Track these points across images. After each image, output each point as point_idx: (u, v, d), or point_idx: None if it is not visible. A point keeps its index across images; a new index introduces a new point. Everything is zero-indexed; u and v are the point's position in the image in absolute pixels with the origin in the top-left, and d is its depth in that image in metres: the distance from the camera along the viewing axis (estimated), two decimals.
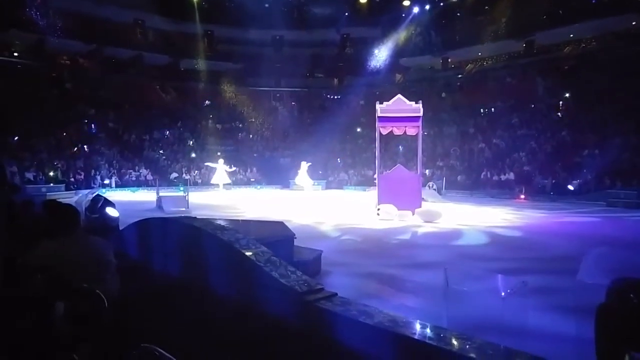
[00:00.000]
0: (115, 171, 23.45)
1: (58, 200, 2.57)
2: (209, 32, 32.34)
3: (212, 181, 19.92)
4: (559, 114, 25.78)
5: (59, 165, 21.66)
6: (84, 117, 26.39)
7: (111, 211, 5.20)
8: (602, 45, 25.93)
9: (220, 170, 19.87)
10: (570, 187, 19.85)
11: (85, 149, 24.22)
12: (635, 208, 15.15)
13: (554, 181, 20.72)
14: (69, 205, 2.48)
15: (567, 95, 25.74)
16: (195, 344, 3.47)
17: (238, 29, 31.06)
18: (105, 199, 5.28)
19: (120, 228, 5.78)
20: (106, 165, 23.30)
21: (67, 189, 19.72)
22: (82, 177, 21.87)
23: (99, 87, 27.73)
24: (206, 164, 20.84)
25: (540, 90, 27.42)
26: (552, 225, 11.57)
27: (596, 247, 8.21)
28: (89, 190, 7.78)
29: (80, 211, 2.51)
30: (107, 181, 22.13)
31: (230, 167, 20.52)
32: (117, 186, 21.99)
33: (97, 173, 22.39)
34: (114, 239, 5.32)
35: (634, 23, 25.18)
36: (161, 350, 1.33)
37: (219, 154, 27.23)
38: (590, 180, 19.57)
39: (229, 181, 20.23)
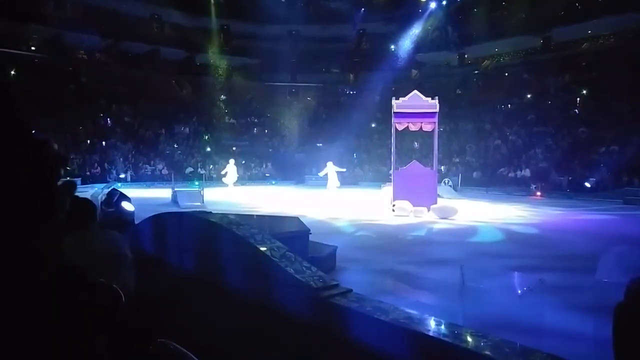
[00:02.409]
0: (131, 165, 23.78)
1: (75, 194, 2.60)
2: (225, 27, 32.50)
3: (224, 180, 19.87)
4: (576, 110, 25.31)
5: (76, 159, 22.02)
6: (100, 111, 26.77)
7: (127, 205, 5.29)
8: (620, 42, 25.39)
9: (231, 170, 20.13)
10: (587, 185, 19.51)
11: (102, 144, 24.58)
12: None
13: (570, 178, 20.37)
14: (85, 199, 2.50)
15: (585, 91, 25.25)
16: (210, 339, 3.51)
17: (254, 23, 31.15)
18: (121, 194, 5.37)
19: (136, 222, 5.88)
20: (122, 159, 23.63)
21: (83, 183, 20.02)
22: (98, 171, 22.21)
23: (115, 82, 28.11)
24: (223, 174, 20.74)
25: (557, 87, 26.95)
26: (568, 223, 11.39)
27: (614, 245, 8.05)
28: (104, 185, 7.86)
29: (96, 205, 2.54)
30: (122, 175, 22.45)
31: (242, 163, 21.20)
32: (132, 180, 22.30)
33: (113, 167, 22.73)
34: (129, 233, 5.42)
35: None
36: (176, 345, 1.35)
37: (234, 149, 27.34)
38: (608, 177, 19.21)
39: (235, 178, 20.34)
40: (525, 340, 2.79)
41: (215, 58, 31.87)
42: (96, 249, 2.27)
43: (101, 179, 21.26)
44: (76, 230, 2.37)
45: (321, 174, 17.94)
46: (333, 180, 17.04)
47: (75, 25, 25.73)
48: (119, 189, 6.17)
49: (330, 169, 17.20)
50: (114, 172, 22.36)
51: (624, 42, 25.16)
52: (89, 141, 24.50)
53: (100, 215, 6.18)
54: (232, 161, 20.45)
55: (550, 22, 26.63)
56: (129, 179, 22.44)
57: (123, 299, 1.30)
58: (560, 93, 26.47)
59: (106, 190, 6.29)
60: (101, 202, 5.54)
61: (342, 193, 16.95)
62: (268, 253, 4.02)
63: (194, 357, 1.39)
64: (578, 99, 25.63)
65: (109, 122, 26.73)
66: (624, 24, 24.68)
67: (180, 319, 3.53)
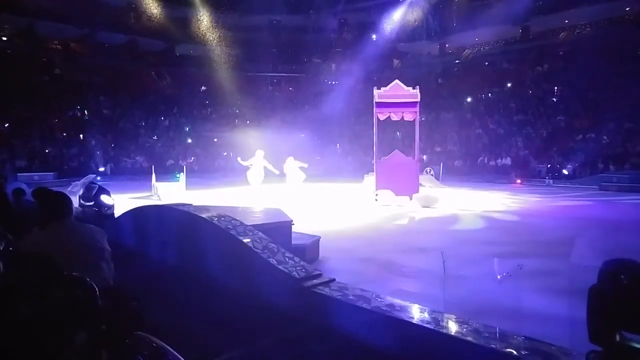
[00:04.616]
0: (111, 158, 23.35)
1: (49, 188, 2.54)
2: (205, 17, 31.94)
3: (249, 178, 13.85)
4: (554, 99, 25.78)
5: (52, 152, 21.52)
6: (77, 103, 26.14)
7: (106, 199, 5.19)
8: (597, 31, 25.90)
9: (258, 165, 13.70)
10: (565, 172, 20.02)
11: (79, 136, 24.04)
12: (627, 191, 15.30)
13: (549, 165, 20.85)
14: (59, 193, 2.45)
15: (562, 80, 25.73)
16: (193, 331, 3.49)
17: (234, 13, 30.68)
18: (100, 187, 5.27)
19: (116, 216, 5.78)
20: (101, 152, 23.17)
21: (60, 176, 19.57)
22: (76, 164, 21.75)
23: (92, 73, 27.44)
24: (240, 161, 14.23)
25: (536, 76, 27.38)
26: (547, 209, 11.65)
27: (590, 230, 8.28)
28: (83, 178, 7.61)
29: (72, 199, 2.49)
30: (102, 169, 22.02)
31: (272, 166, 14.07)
32: (112, 174, 21.92)
33: (92, 160, 22.29)
34: (109, 226, 5.34)
35: (627, 9, 25.21)
36: (153, 338, 1.34)
37: (215, 140, 26.93)
38: (584, 164, 19.72)
39: (262, 177, 13.88)
40: (505, 324, 2.85)
41: (195, 49, 31.35)
42: (72, 243, 2.23)
43: (79, 172, 20.83)
44: (51, 224, 2.32)
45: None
46: (294, 175, 14.11)
47: (49, 14, 24.93)
48: (97, 183, 6.05)
49: (290, 164, 14.08)
50: (93, 165, 21.92)
51: (600, 32, 25.68)
52: (65, 134, 23.92)
53: (79, 209, 6.08)
54: (260, 153, 13.72)
55: (528, 12, 26.96)
56: (109, 172, 22.03)
57: (98, 292, 1.28)
58: (539, 82, 26.91)
59: (85, 184, 6.15)
60: (79, 196, 5.42)
61: (318, 185, 16.15)
62: (250, 244, 4.01)
63: (171, 350, 1.37)
64: (556, 88, 26.09)
65: (86, 114, 26.13)
66: (600, 14, 25.19)
67: (162, 311, 3.49)
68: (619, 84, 21.41)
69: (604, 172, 18.33)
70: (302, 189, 14.16)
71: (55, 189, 2.65)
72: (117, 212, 6.44)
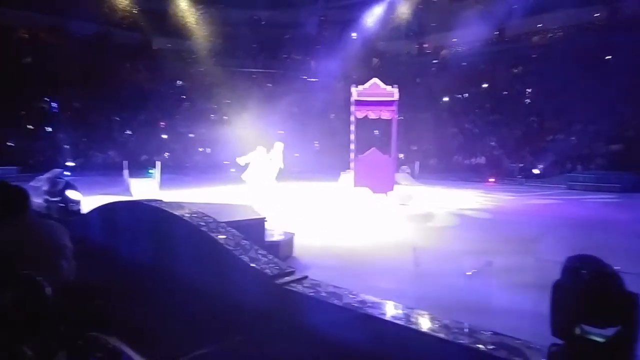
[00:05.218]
0: (81, 153, 22.67)
1: (6, 182, 2.41)
2: (183, 10, 31.34)
3: (243, 176, 11.95)
4: (527, 100, 26.45)
5: (16, 145, 20.71)
6: (46, 95, 25.22)
7: (73, 194, 5.01)
8: (567, 36, 26.72)
9: (257, 162, 11.83)
10: (536, 171, 20.59)
11: (47, 130, 23.22)
12: (593, 190, 15.85)
13: (521, 165, 21.42)
14: (16, 187, 2.34)
15: (535, 82, 26.40)
16: (163, 329, 3.42)
17: (214, 7, 30.22)
18: (67, 182, 5.09)
19: (84, 212, 5.61)
20: (70, 146, 22.43)
21: (25, 171, 18.77)
22: (43, 158, 20.99)
23: (63, 64, 26.50)
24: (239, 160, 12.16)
25: (511, 77, 28.03)
26: (518, 207, 11.94)
27: (558, 227, 8.52)
28: (48, 173, 7.13)
29: (35, 194, 2.39)
30: (71, 163, 21.33)
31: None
32: (82, 169, 21.27)
33: (60, 155, 21.56)
34: (76, 222, 5.16)
35: (596, 15, 26.09)
36: (107, 338, 1.29)
37: (191, 135, 26.43)
38: (554, 164, 20.35)
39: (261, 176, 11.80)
40: (473, 319, 2.89)
41: (173, 42, 30.76)
42: (29, 240, 2.14)
43: (46, 167, 20.08)
44: (6, 220, 2.21)
45: (244, 159, 11.96)
46: (257, 173, 11.69)
47: (16, 1, 23.96)
48: (64, 177, 5.85)
49: (259, 157, 11.76)
50: (61, 160, 21.19)
51: (570, 36, 26.48)
52: (31, 126, 23.05)
53: (44, 204, 5.88)
54: (261, 149, 11.89)
55: (504, 14, 27.56)
56: (78, 167, 21.37)
57: (48, 291, 1.22)
58: (513, 83, 27.54)
59: (50, 179, 5.93)
60: (44, 191, 5.23)
61: (295, 182, 14.53)
62: (222, 241, 3.95)
63: (128, 350, 1.33)
64: (529, 89, 26.75)
65: (55, 107, 25.26)
66: (571, 19, 25.99)
67: (130, 309, 3.41)
68: (587, 88, 22.11)
69: (571, 172, 18.96)
70: (266, 186, 11.94)
71: (17, 184, 2.54)
72: (86, 208, 6.25)
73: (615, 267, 1.51)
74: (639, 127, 20.04)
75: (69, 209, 5.09)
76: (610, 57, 23.70)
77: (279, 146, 12.04)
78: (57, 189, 5.04)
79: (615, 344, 1.45)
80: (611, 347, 1.45)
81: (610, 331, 1.47)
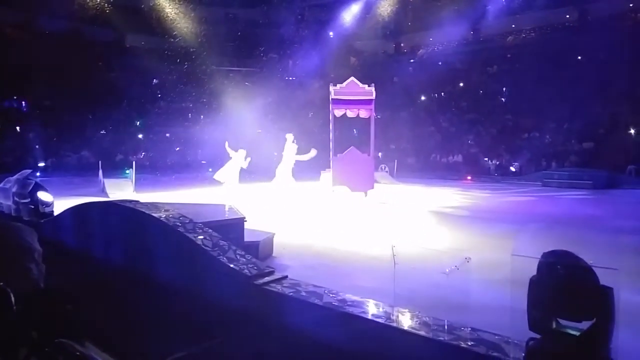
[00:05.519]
0: (52, 153, 22.01)
1: None
2: (158, 7, 30.77)
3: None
4: (503, 99, 27.00)
5: None
6: (14, 93, 24.37)
7: (44, 195, 4.84)
8: (540, 36, 27.43)
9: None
10: (512, 168, 21.05)
11: (16, 129, 22.44)
12: (567, 187, 16.30)
13: (497, 163, 21.86)
14: None
15: (510, 81, 26.99)
16: (140, 333, 3.34)
17: (189, 4, 29.78)
18: (37, 183, 4.92)
19: (56, 213, 5.43)
20: (41, 146, 21.75)
21: None
22: (11, 159, 20.27)
23: (33, 61, 25.64)
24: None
25: (486, 76, 28.57)
26: (495, 205, 12.17)
27: (534, 224, 8.72)
28: (17, 174, 6.80)
29: (3, 196, 2.29)
30: (42, 164, 20.69)
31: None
32: (54, 169, 20.66)
33: (30, 155, 20.89)
34: (48, 225, 4.99)
35: (567, 16, 26.87)
36: (75, 345, 1.24)
37: (167, 135, 25.99)
38: (529, 161, 20.85)
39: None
40: (452, 316, 2.91)
41: (147, 40, 30.17)
42: None
43: (16, 168, 19.39)
44: None
45: (230, 152, 12.07)
46: (230, 173, 11.82)
47: None
48: (34, 179, 5.64)
49: (238, 157, 11.95)
50: (31, 160, 20.53)
51: (543, 37, 27.19)
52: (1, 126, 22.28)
53: (13, 206, 5.68)
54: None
55: (479, 14, 28.09)
56: (50, 168, 20.75)
57: (13, 297, 1.16)
58: (489, 82, 28.08)
59: (20, 180, 5.72)
60: (13, 193, 5.03)
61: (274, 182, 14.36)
62: (199, 242, 3.89)
63: (97, 356, 1.27)
64: (504, 88, 27.32)
65: (24, 105, 24.44)
66: (543, 20, 26.69)
67: (105, 314, 3.32)
68: (560, 87, 22.74)
69: (546, 169, 19.44)
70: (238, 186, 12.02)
71: None
72: (58, 210, 6.06)
73: (589, 262, 1.54)
74: (610, 126, 20.70)
75: (40, 211, 4.92)
76: (580, 57, 24.42)
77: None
78: (26, 190, 4.86)
79: (590, 336, 1.47)
80: (586, 340, 1.48)
81: (585, 324, 1.49)
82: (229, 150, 12.19)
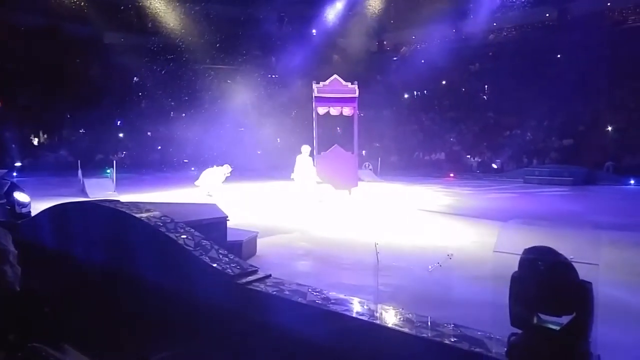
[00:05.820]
0: (29, 152, 21.49)
1: None
2: (137, 4, 30.23)
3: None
4: (485, 97, 27.35)
5: None
6: None
7: (20, 196, 4.71)
8: (521, 34, 27.88)
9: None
10: (494, 166, 21.36)
11: None
12: (547, 184, 16.61)
13: (479, 160, 22.15)
14: None
15: (491, 79, 27.36)
16: (123, 335, 3.28)
17: (170, 2, 29.33)
18: (12, 183, 4.78)
19: (33, 214, 5.29)
20: (17, 146, 21.20)
21: None
22: None
23: (7, 58, 24.94)
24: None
25: (468, 74, 28.90)
26: (477, 201, 12.32)
27: (513, 220, 8.85)
28: None
29: None
30: (18, 164, 20.19)
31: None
32: (32, 169, 20.17)
33: (6, 154, 20.35)
34: (25, 226, 4.86)
35: (547, 15, 27.38)
36: (50, 350, 1.20)
37: (149, 134, 25.70)
38: (511, 158, 21.19)
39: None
40: (435, 312, 2.93)
41: (127, 37, 29.63)
42: None
43: None
44: None
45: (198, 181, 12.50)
46: (211, 179, 12.23)
47: None
48: (9, 179, 5.49)
49: (220, 172, 12.43)
50: (8, 160, 20.00)
51: (523, 35, 27.64)
52: None
53: None
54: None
55: (461, 13, 28.39)
56: (27, 167, 20.23)
57: None
58: (471, 80, 28.40)
59: None
60: None
61: (256, 181, 14.51)
62: (181, 242, 3.83)
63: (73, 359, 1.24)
64: (486, 86, 27.68)
65: None
66: (524, 19, 27.13)
67: (85, 317, 3.25)
68: (540, 84, 23.16)
69: (527, 166, 19.77)
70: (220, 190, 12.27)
71: None
72: (36, 210, 5.91)
73: (569, 257, 1.56)
74: (589, 123, 21.16)
75: (17, 212, 4.78)
76: (560, 55, 24.88)
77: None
78: (2, 190, 4.72)
79: (571, 331, 1.49)
80: (567, 334, 1.50)
81: (565, 319, 1.51)
82: (215, 168, 12.62)
